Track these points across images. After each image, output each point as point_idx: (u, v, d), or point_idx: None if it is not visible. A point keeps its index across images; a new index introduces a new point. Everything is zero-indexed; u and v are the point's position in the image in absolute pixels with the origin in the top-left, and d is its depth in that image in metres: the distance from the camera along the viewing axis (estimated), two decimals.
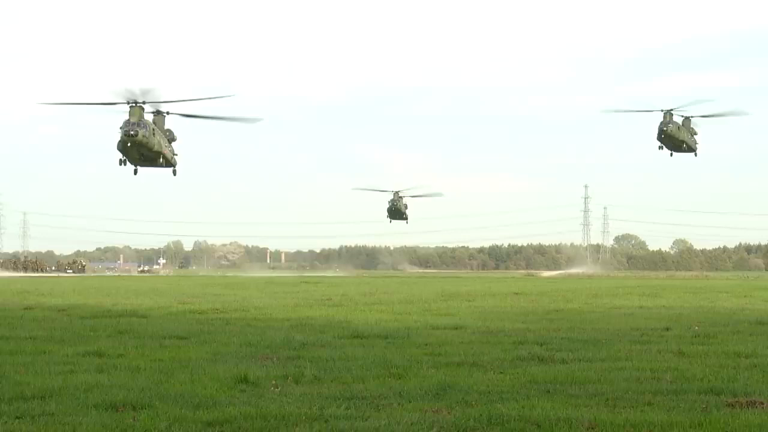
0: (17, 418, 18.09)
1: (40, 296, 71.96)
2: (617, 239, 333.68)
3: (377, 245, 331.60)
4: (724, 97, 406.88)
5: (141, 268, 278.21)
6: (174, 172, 73.40)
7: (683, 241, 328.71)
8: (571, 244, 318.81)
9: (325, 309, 53.87)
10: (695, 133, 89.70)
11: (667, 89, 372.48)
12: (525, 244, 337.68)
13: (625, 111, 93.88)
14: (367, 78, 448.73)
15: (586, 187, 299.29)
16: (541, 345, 31.65)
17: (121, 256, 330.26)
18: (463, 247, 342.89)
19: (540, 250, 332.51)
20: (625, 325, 40.94)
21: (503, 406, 18.92)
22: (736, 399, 20.00)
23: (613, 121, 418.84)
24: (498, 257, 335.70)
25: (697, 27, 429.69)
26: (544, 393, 20.99)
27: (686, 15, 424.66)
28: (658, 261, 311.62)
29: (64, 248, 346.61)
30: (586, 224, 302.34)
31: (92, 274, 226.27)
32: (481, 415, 18.00)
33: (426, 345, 31.90)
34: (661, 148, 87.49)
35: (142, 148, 67.31)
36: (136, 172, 70.60)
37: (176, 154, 71.92)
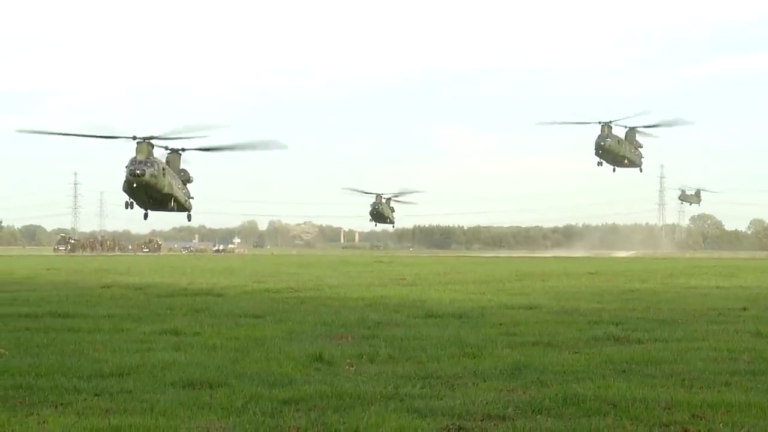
0: (96, 395, 18.30)
1: (117, 275, 72.78)
2: (693, 219, 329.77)
3: (450, 225, 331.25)
4: None
5: (216, 248, 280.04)
6: (189, 218, 69.90)
7: (760, 221, 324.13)
8: (647, 224, 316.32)
9: (398, 288, 53.91)
10: (640, 146, 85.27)
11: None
12: (600, 224, 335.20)
13: (561, 123, 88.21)
14: (436, 58, 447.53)
15: (662, 166, 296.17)
16: (617, 325, 31.44)
17: (197, 235, 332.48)
18: (537, 226, 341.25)
19: (615, 230, 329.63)
20: (701, 305, 40.54)
21: (579, 386, 18.82)
22: None
23: (687, 100, 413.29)
24: (572, 237, 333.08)
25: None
26: (620, 373, 20.85)
27: None
28: (734, 241, 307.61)
29: (140, 228, 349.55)
30: (661, 204, 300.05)
31: (168, 253, 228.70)
32: (556, 394, 17.93)
33: (500, 324, 31.83)
34: (600, 164, 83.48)
35: (150, 189, 63.11)
36: (146, 216, 67.09)
37: (191, 197, 68.01)
